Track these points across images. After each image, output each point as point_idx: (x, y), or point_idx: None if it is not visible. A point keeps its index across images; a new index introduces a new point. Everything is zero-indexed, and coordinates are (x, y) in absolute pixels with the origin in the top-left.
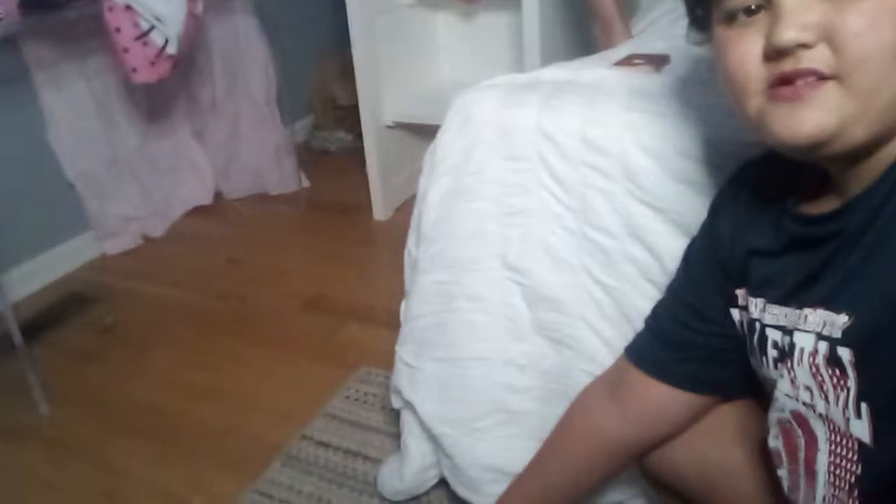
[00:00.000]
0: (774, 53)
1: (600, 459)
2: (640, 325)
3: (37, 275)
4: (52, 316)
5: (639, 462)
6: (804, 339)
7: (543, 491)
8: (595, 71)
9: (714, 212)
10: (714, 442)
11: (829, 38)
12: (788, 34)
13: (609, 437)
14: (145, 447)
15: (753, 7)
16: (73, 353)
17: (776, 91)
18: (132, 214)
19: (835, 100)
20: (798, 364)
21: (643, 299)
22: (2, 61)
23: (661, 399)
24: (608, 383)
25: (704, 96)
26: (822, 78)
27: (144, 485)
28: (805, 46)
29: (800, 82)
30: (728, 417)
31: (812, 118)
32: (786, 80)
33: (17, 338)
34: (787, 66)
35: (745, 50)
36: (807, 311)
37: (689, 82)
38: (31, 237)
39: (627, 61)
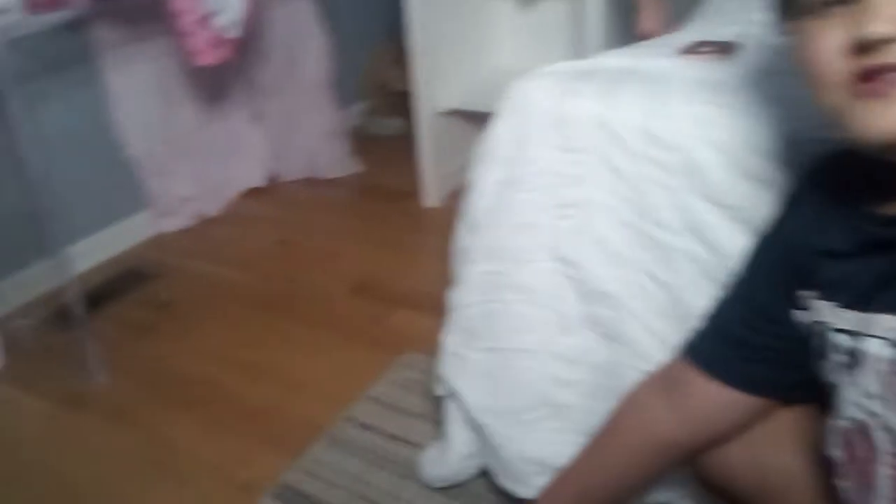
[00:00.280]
0: (860, 47)
1: (650, 458)
2: (696, 323)
3: (97, 250)
4: (110, 290)
5: (690, 462)
6: (875, 345)
7: (589, 486)
8: (658, 60)
9: (785, 209)
10: (771, 446)
11: None
12: (879, 28)
13: (661, 436)
14: (194, 420)
15: None
16: (130, 327)
17: (859, 86)
18: (189, 194)
19: None
20: (866, 372)
21: (701, 297)
22: (70, 43)
23: (717, 399)
24: (663, 380)
25: (777, 88)
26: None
27: (192, 457)
28: (893, 41)
29: (886, 78)
30: (787, 422)
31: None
32: (870, 76)
33: (79, 310)
34: (874, 60)
35: (827, 42)
36: (878, 316)
37: (760, 73)
38: (93, 213)
39: (693, 49)
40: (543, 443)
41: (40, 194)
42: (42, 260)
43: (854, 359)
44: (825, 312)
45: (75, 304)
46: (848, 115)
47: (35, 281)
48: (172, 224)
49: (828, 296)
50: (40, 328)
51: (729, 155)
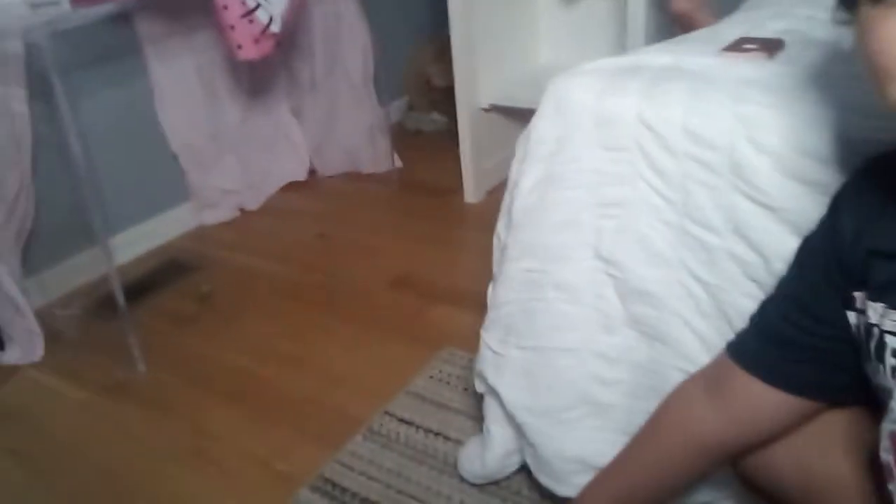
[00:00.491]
0: None
1: (692, 458)
2: (739, 324)
3: (139, 241)
4: (152, 281)
5: (733, 463)
6: None
7: (631, 486)
8: (700, 58)
9: (835, 207)
10: (819, 449)
11: None
12: None
13: (705, 436)
14: (234, 411)
15: None
16: (171, 318)
17: None
18: (230, 187)
19: None
20: None
21: (745, 298)
22: (116, 36)
23: (763, 400)
24: (707, 380)
25: (825, 88)
26: None
27: (231, 447)
28: None
29: None
30: (836, 424)
31: None
32: None
33: (120, 300)
34: None
35: (893, 31)
36: None
37: (807, 72)
38: (136, 205)
39: (737, 46)
40: (584, 441)
41: (84, 186)
42: (85, 250)
43: None
44: (876, 314)
45: (117, 294)
46: None
47: (77, 271)
48: (214, 216)
49: (879, 297)
50: (82, 318)
51: (774, 155)
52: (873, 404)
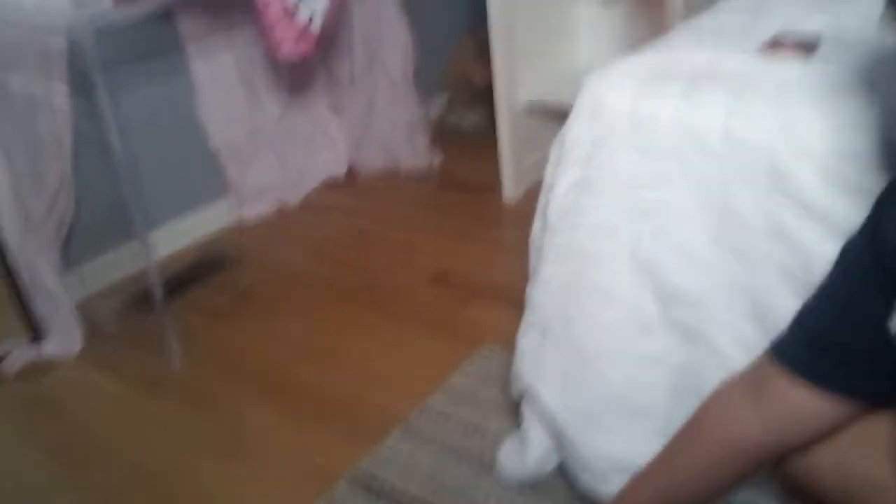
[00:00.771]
0: None
1: (733, 460)
2: (779, 326)
3: (179, 236)
4: (190, 276)
5: (775, 465)
6: None
7: (670, 488)
8: (738, 57)
9: (878, 210)
10: (860, 452)
11: None
12: None
13: (745, 439)
14: (271, 406)
15: None
16: (209, 313)
17: None
18: (269, 183)
19: None
20: None
21: (784, 301)
22: (158, 34)
23: (804, 401)
24: (747, 382)
25: (866, 90)
26: None
27: (269, 441)
28: None
29: None
30: (878, 427)
31: None
32: None
33: (159, 294)
34: None
35: None
36: None
37: (847, 72)
38: (176, 200)
39: (774, 45)
40: (622, 443)
41: (124, 181)
42: (124, 245)
43: None
44: None
45: (155, 289)
46: None
47: (116, 265)
48: (253, 212)
49: None
50: (120, 312)
51: (815, 159)
52: None
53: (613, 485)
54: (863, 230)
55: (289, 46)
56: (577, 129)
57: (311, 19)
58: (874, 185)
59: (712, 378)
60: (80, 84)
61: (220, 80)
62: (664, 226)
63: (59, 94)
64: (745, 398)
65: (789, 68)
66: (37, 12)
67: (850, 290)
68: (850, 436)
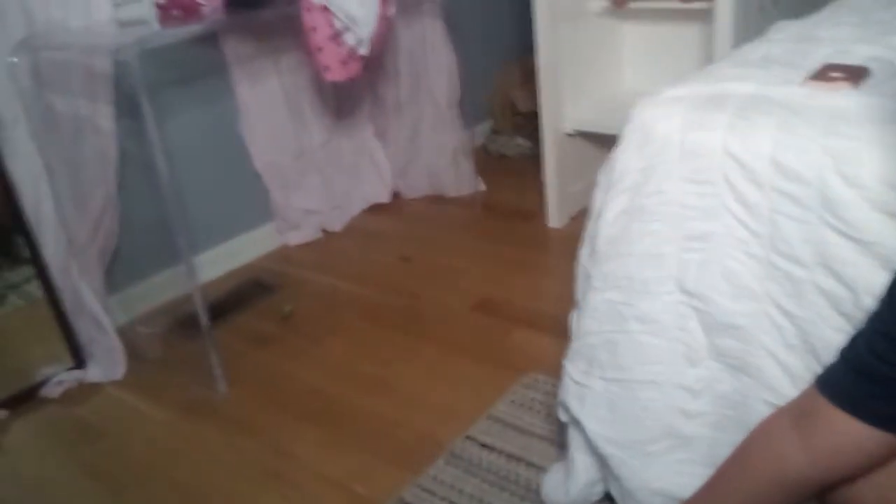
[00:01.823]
0: None
1: (777, 493)
2: (826, 357)
3: (222, 260)
4: (234, 301)
5: (819, 498)
6: None
7: None
8: (786, 86)
9: None
10: None
11: None
12: None
13: (790, 471)
14: (313, 432)
15: None
16: (253, 338)
17: None
18: (313, 207)
19: None
20: None
21: (832, 332)
22: (204, 56)
23: (851, 435)
24: (794, 415)
25: None
26: None
27: (310, 468)
28: None
29: None
30: None
31: None
32: None
33: (204, 319)
34: None
35: None
36: None
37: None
38: (220, 224)
39: (822, 75)
40: (668, 474)
41: (169, 203)
42: (168, 268)
43: None
44: None
45: (200, 313)
46: None
47: (160, 289)
48: (297, 237)
49: None
50: (164, 336)
51: (864, 189)
52: None
53: None
54: None
55: (337, 69)
56: (625, 158)
57: (359, 42)
58: None
59: (758, 408)
60: (126, 106)
61: (266, 104)
62: (712, 255)
63: (105, 116)
64: (790, 430)
65: (838, 98)
66: (84, 34)
67: (892, 321)
68: (892, 470)
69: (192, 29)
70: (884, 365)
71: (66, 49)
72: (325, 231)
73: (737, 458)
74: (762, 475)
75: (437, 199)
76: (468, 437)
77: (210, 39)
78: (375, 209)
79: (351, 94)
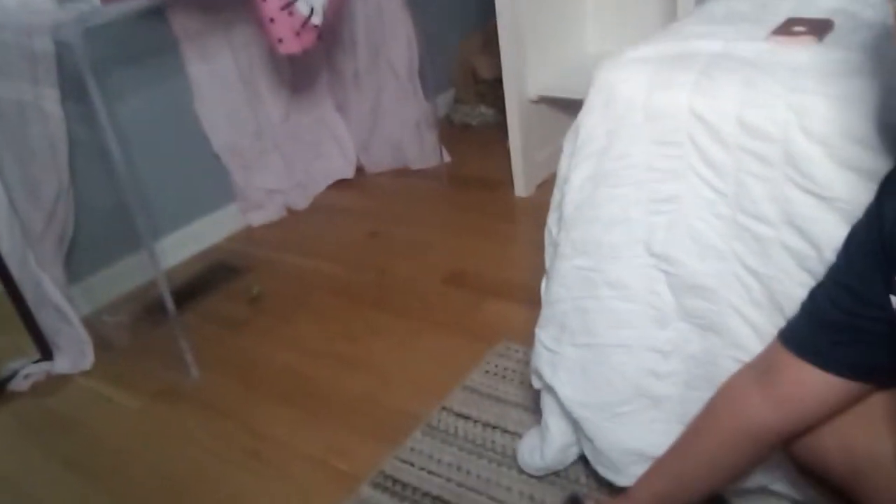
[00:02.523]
0: None
1: (744, 445)
2: (792, 313)
3: (185, 244)
4: (200, 285)
5: (786, 447)
6: None
7: (683, 475)
8: (750, 43)
9: (881, 193)
10: (863, 430)
11: None
12: None
13: (755, 423)
14: (289, 412)
15: None
16: (221, 321)
17: None
18: (276, 187)
19: None
20: None
21: (798, 288)
22: (151, 33)
23: (813, 384)
24: (757, 368)
25: (874, 74)
26: None
27: (287, 447)
28: None
29: None
30: (879, 405)
31: None
32: None
33: (170, 305)
34: None
35: None
36: None
37: (857, 56)
38: (181, 207)
39: (786, 30)
40: (640, 433)
41: (126, 188)
42: (130, 255)
43: None
44: None
45: (166, 299)
46: None
47: (124, 276)
48: (261, 217)
49: None
50: (131, 324)
51: (827, 145)
52: None
53: (632, 475)
54: (866, 214)
55: (290, 40)
56: (590, 122)
57: (311, 11)
58: (884, 170)
59: (728, 366)
60: (73, 88)
61: (219, 82)
62: (679, 217)
63: (50, 99)
64: (754, 384)
65: (802, 53)
66: (20, 12)
67: (855, 274)
68: (852, 415)
69: (136, 4)
70: (841, 314)
71: (1, 29)
72: (289, 210)
73: (704, 415)
74: (729, 429)
75: (402, 173)
76: (444, 408)
77: (157, 15)
78: (340, 185)
79: (307, 68)
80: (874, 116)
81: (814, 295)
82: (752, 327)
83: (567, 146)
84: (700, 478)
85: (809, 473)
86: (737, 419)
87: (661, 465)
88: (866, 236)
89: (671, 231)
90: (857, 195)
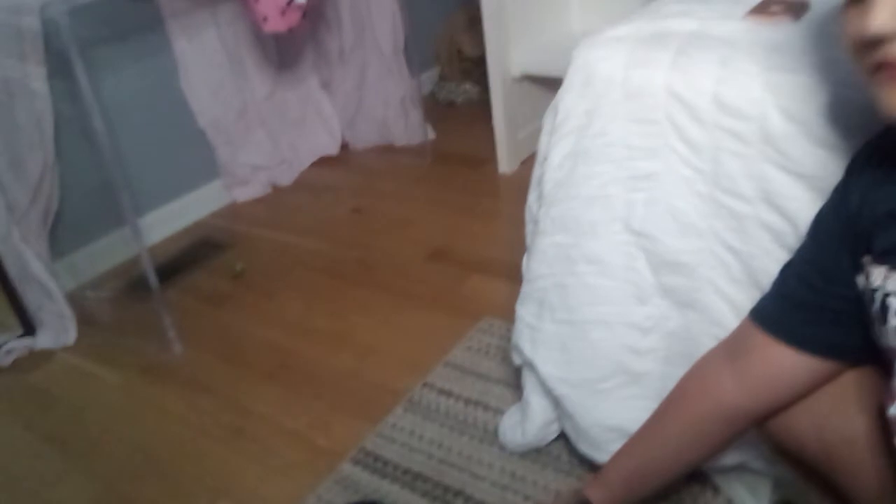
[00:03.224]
0: (867, 43)
1: (714, 425)
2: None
3: (170, 220)
4: (184, 261)
5: (759, 427)
6: None
7: (654, 456)
8: (727, 22)
9: (849, 172)
10: (835, 408)
11: None
12: (875, 23)
13: (726, 404)
14: (272, 388)
15: None
16: (205, 297)
17: (876, 76)
18: (261, 163)
19: None
20: None
21: (776, 265)
22: (138, 10)
23: (783, 362)
24: (729, 347)
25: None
26: None
27: (270, 423)
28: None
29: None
30: (850, 383)
31: None
32: (883, 67)
33: (153, 281)
34: (881, 55)
35: (850, 29)
36: None
37: (832, 35)
38: (165, 183)
39: (763, 9)
40: (620, 410)
41: (110, 165)
42: (114, 231)
43: None
44: (880, 276)
45: (149, 274)
46: (873, 95)
47: (108, 252)
48: (245, 193)
49: (883, 260)
50: (114, 300)
51: (803, 123)
52: (884, 362)
53: (612, 452)
54: (835, 192)
55: (275, 19)
56: (569, 99)
57: None
58: (855, 148)
59: (706, 343)
60: (59, 66)
61: (205, 58)
62: (658, 194)
63: (37, 77)
64: (724, 363)
65: (777, 32)
66: None
67: (823, 252)
68: (823, 393)
69: None
70: (810, 293)
71: None
72: (274, 186)
73: (674, 395)
74: (700, 411)
75: (387, 149)
76: (426, 385)
77: None
78: (325, 162)
79: (293, 45)
80: (843, 94)
81: (784, 273)
82: (731, 304)
83: (546, 124)
84: (671, 458)
85: (783, 453)
86: (708, 401)
87: (631, 446)
88: (834, 215)
89: (650, 208)
90: (832, 172)
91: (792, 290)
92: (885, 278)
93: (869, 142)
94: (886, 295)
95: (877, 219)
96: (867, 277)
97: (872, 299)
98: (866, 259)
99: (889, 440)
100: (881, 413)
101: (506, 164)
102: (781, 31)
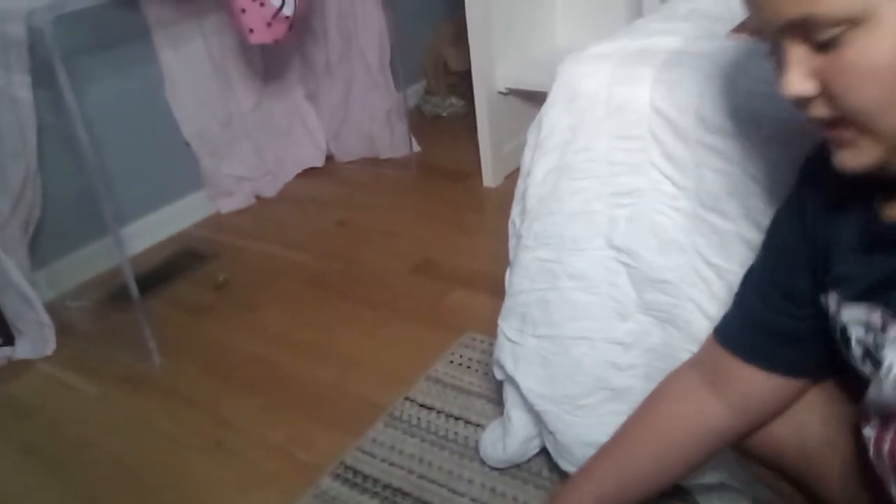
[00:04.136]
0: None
1: (697, 447)
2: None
3: (153, 230)
4: (166, 271)
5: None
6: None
7: (626, 475)
8: (710, 41)
9: (800, 181)
10: (811, 412)
11: (826, 91)
12: (790, 89)
13: (713, 426)
14: (253, 400)
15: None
16: (187, 308)
17: (819, 133)
18: (245, 174)
19: (863, 144)
20: (886, 377)
21: None
22: (124, 20)
23: (762, 385)
24: (703, 371)
25: None
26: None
27: (251, 436)
28: (810, 98)
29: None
30: (830, 389)
31: (850, 158)
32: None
33: (134, 291)
34: (808, 114)
35: (779, 82)
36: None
37: None
38: (148, 193)
39: (745, 28)
40: (602, 426)
41: (93, 174)
42: (96, 241)
43: (871, 354)
44: (835, 303)
45: (130, 284)
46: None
47: (89, 262)
48: (229, 204)
49: (835, 287)
50: (95, 310)
51: (784, 142)
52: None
53: None
54: (787, 206)
55: (261, 31)
56: (553, 115)
57: (283, 2)
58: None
59: (686, 358)
60: (43, 74)
61: (191, 69)
62: (639, 211)
63: (21, 85)
64: (704, 387)
65: (758, 48)
66: None
67: (780, 268)
68: (805, 400)
69: None
70: (780, 315)
71: None
72: (258, 197)
73: (648, 415)
74: (682, 431)
75: (372, 162)
76: (407, 399)
77: (130, 2)
78: (309, 173)
79: (279, 57)
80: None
81: (744, 285)
82: (711, 321)
83: (530, 139)
84: (644, 479)
85: (754, 458)
86: (689, 423)
87: (597, 462)
88: (789, 228)
89: (632, 224)
90: None
91: (754, 310)
92: (840, 305)
93: (813, 157)
94: (844, 326)
95: (827, 245)
96: (828, 300)
97: (835, 324)
98: (827, 279)
99: (862, 452)
100: (857, 431)
101: (490, 177)
102: (765, 49)
